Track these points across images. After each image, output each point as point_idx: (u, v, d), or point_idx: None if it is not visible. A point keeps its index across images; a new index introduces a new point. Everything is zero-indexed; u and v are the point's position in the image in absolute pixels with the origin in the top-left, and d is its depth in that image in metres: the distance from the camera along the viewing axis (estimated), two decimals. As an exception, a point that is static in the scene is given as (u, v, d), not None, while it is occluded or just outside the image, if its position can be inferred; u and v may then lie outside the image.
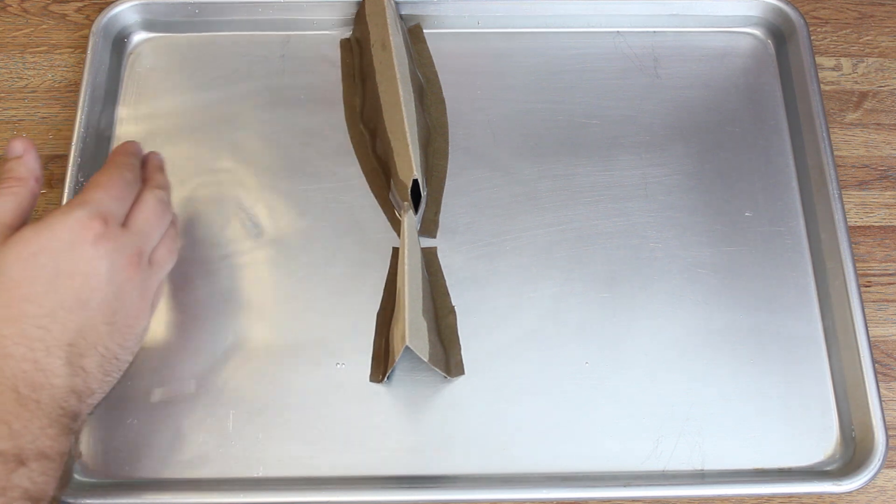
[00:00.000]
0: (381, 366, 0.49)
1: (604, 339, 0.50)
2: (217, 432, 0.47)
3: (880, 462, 0.47)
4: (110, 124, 0.56)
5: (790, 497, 0.48)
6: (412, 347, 0.45)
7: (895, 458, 0.49)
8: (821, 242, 0.53)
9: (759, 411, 0.49)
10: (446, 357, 0.49)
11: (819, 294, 0.52)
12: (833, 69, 0.60)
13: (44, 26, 0.60)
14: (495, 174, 0.55)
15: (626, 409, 0.49)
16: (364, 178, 0.55)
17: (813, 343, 0.51)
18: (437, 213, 0.53)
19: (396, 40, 0.54)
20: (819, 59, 0.60)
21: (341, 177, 0.55)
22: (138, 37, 0.59)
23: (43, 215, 0.41)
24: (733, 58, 0.60)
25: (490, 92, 0.58)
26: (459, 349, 0.50)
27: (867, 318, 0.50)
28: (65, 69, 0.59)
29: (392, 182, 0.53)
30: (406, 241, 0.49)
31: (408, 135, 0.51)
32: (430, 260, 0.52)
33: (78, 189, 0.52)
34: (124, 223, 0.42)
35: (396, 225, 0.53)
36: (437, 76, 0.58)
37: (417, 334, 0.46)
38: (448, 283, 0.51)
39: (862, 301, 0.50)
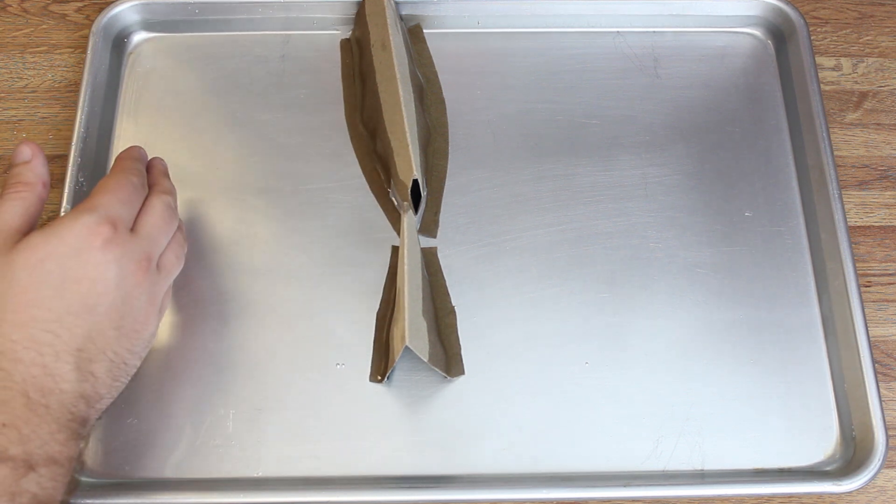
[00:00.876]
0: (381, 366, 0.49)
1: (604, 339, 0.50)
2: (217, 432, 0.47)
3: (880, 462, 0.47)
4: (110, 124, 0.56)
5: (790, 497, 0.48)
6: (412, 347, 0.45)
7: (895, 458, 0.49)
8: (821, 242, 0.53)
9: (759, 411, 0.49)
10: (446, 357, 0.49)
11: (819, 294, 0.52)
12: (833, 69, 0.60)
13: (44, 26, 0.60)
14: (495, 174, 0.55)
15: (626, 409, 0.49)
16: (364, 178, 0.55)
17: (813, 343, 0.51)
18: (437, 213, 0.53)
19: (396, 40, 0.54)
20: (819, 59, 0.60)
21: (341, 177, 0.55)
22: (138, 37, 0.59)
23: (49, 219, 0.41)
24: (733, 58, 0.60)
25: (490, 92, 0.58)
26: (459, 349, 0.50)
27: (867, 318, 0.50)
28: (65, 69, 0.59)
29: (392, 182, 0.53)
30: (406, 241, 0.49)
31: (408, 135, 0.51)
32: (430, 260, 0.52)
33: (78, 189, 0.52)
34: (132, 228, 0.42)
35: (397, 225, 0.53)
36: (437, 76, 0.58)
37: (417, 334, 0.46)
38: (448, 283, 0.51)
39: (862, 301, 0.50)
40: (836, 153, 0.56)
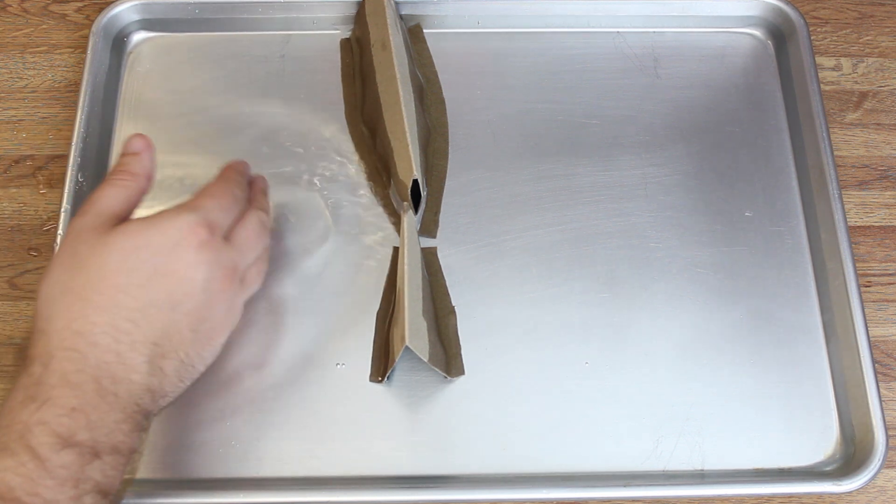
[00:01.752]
0: (381, 366, 0.49)
1: (604, 339, 0.50)
2: (217, 432, 0.47)
3: (880, 462, 0.47)
4: (110, 124, 0.56)
5: (790, 497, 0.48)
6: (412, 347, 0.45)
7: (895, 458, 0.49)
8: (821, 242, 0.53)
9: (759, 411, 0.49)
10: (446, 357, 0.49)
11: (819, 294, 0.52)
12: (833, 69, 0.60)
13: (44, 26, 0.60)
14: (495, 174, 0.55)
15: (626, 409, 0.49)
16: (364, 178, 0.55)
17: (813, 343, 0.51)
18: (437, 213, 0.53)
19: (396, 40, 0.54)
20: (819, 59, 0.60)
21: (341, 177, 0.55)
22: (138, 37, 0.59)
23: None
24: (733, 58, 0.60)
25: (490, 92, 0.58)
26: (459, 349, 0.50)
27: (867, 318, 0.50)
28: (65, 69, 0.59)
29: (392, 182, 0.53)
30: (406, 241, 0.49)
31: (408, 135, 0.51)
32: (430, 260, 0.52)
33: (78, 189, 0.52)
34: (227, 237, 0.43)
35: (397, 225, 0.53)
36: (437, 76, 0.58)
37: (417, 334, 0.46)
38: (448, 283, 0.51)
39: (862, 301, 0.50)
40: (836, 153, 0.56)
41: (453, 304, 0.51)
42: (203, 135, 0.55)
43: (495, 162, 0.55)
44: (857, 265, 0.51)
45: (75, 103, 0.54)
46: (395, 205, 0.53)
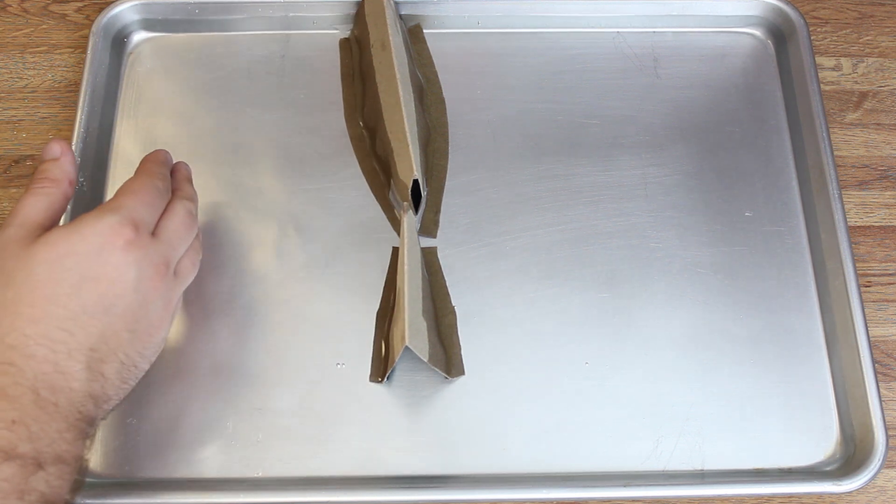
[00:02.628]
0: (381, 366, 0.49)
1: (604, 339, 0.50)
2: (217, 432, 0.47)
3: (880, 462, 0.47)
4: (110, 124, 0.56)
5: (790, 497, 0.48)
6: (412, 347, 0.45)
7: (895, 458, 0.49)
8: (821, 242, 0.53)
9: (759, 411, 0.49)
10: (446, 357, 0.49)
11: (819, 294, 0.52)
12: (833, 69, 0.60)
13: (44, 26, 0.60)
14: (495, 174, 0.55)
15: (626, 409, 0.49)
16: (364, 178, 0.55)
17: (813, 343, 0.51)
18: (437, 213, 0.53)
19: (396, 40, 0.54)
20: (819, 59, 0.60)
21: (341, 177, 0.55)
22: (138, 37, 0.59)
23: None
24: (733, 58, 0.60)
25: (490, 92, 0.58)
26: (459, 349, 0.50)
27: (867, 318, 0.50)
28: (65, 69, 0.59)
29: (392, 182, 0.53)
30: (406, 241, 0.49)
31: (408, 135, 0.51)
32: (430, 260, 0.52)
33: (78, 189, 0.52)
34: (153, 232, 0.43)
35: (396, 225, 0.53)
36: (437, 76, 0.58)
37: (417, 334, 0.46)
38: (448, 283, 0.51)
39: (862, 301, 0.50)
40: (836, 153, 0.56)
41: (453, 304, 0.51)
42: (203, 135, 0.55)
43: (495, 162, 0.55)
44: (857, 265, 0.51)
45: (75, 103, 0.54)
46: (395, 205, 0.53)
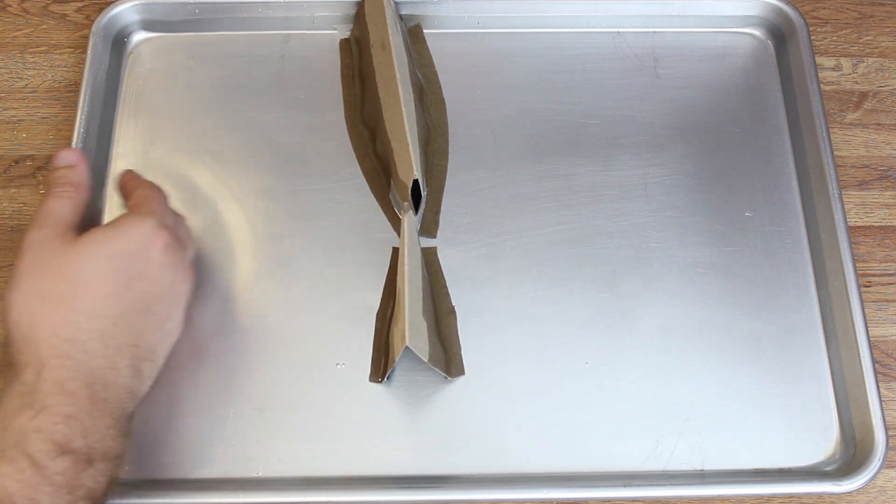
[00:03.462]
0: (381, 366, 0.49)
1: (604, 339, 0.50)
2: (217, 432, 0.47)
3: (880, 462, 0.47)
4: (110, 124, 0.56)
5: (790, 497, 0.48)
6: (412, 347, 0.45)
7: (895, 458, 0.49)
8: (821, 242, 0.53)
9: (759, 411, 0.49)
10: (446, 357, 0.49)
11: (819, 294, 0.52)
12: (833, 69, 0.60)
13: (44, 26, 0.60)
14: (495, 174, 0.55)
15: (626, 409, 0.49)
16: (364, 178, 0.55)
17: (813, 343, 0.51)
18: (437, 213, 0.53)
19: (396, 40, 0.54)
20: (819, 59, 0.60)
21: (341, 177, 0.55)
22: (138, 37, 0.59)
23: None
24: (733, 58, 0.60)
25: (490, 92, 0.58)
26: (459, 349, 0.50)
27: (867, 318, 0.50)
28: (65, 69, 0.59)
29: (392, 182, 0.53)
30: (406, 241, 0.49)
31: (408, 135, 0.51)
32: (430, 260, 0.52)
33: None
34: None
35: (396, 225, 0.53)
36: (437, 76, 0.58)
37: (417, 334, 0.46)
38: (448, 283, 0.51)
39: (862, 301, 0.50)
40: (836, 153, 0.56)
41: (453, 304, 0.51)
42: (203, 135, 0.55)
43: (495, 162, 0.55)
44: (857, 265, 0.51)
45: (75, 103, 0.54)
46: (394, 205, 0.53)
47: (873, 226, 0.55)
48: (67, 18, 0.60)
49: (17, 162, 0.55)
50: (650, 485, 0.46)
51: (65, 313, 0.39)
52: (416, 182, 0.51)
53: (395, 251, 0.52)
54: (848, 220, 0.53)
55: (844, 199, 0.54)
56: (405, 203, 0.51)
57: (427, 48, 0.59)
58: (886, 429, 0.47)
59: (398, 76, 0.52)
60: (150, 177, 0.48)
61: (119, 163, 0.54)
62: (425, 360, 0.46)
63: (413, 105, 0.53)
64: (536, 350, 0.50)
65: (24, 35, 0.60)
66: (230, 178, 0.54)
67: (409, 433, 0.48)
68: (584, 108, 0.57)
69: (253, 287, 0.51)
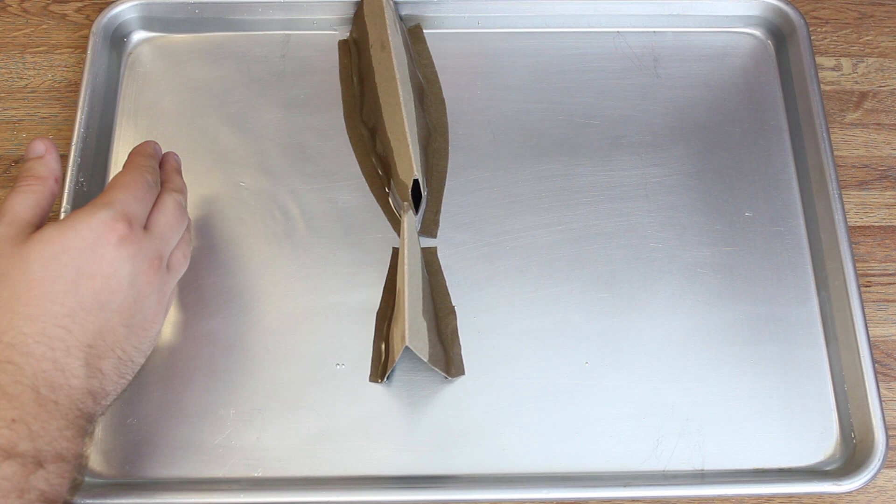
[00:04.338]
0: (381, 366, 0.49)
1: (604, 339, 0.50)
2: (217, 432, 0.47)
3: (880, 462, 0.47)
4: (110, 124, 0.56)
5: (790, 497, 0.48)
6: (412, 347, 0.45)
7: (895, 458, 0.49)
8: (821, 242, 0.53)
9: (759, 411, 0.49)
10: (446, 357, 0.49)
11: (819, 294, 0.52)
12: (833, 69, 0.60)
13: (44, 26, 0.60)
14: (495, 174, 0.55)
15: (626, 409, 0.49)
16: (364, 178, 0.55)
17: (813, 343, 0.51)
18: (437, 213, 0.53)
19: (395, 40, 0.54)
20: (819, 59, 0.60)
21: (341, 177, 0.55)
22: (138, 37, 0.59)
23: (50, 219, 0.41)
24: (733, 58, 0.60)
25: (490, 92, 0.58)
26: (459, 349, 0.50)
27: (867, 318, 0.50)
28: (65, 69, 0.59)
29: (392, 182, 0.53)
30: (406, 241, 0.49)
31: (408, 135, 0.51)
32: (430, 260, 0.52)
33: (78, 189, 0.52)
34: (145, 226, 0.43)
35: (396, 225, 0.53)
36: (437, 76, 0.58)
37: (417, 334, 0.46)
38: (448, 283, 0.51)
39: (862, 301, 0.50)
40: (836, 153, 0.56)
41: (453, 304, 0.51)
42: (203, 135, 0.55)
43: (495, 162, 0.55)
44: (857, 265, 0.51)
45: (75, 103, 0.54)
46: (394, 205, 0.53)
47: (873, 226, 0.55)
48: (67, 18, 0.60)
49: (17, 162, 0.55)
50: (650, 485, 0.46)
51: (8, 318, 0.38)
52: (416, 182, 0.51)
53: (395, 251, 0.52)
54: (848, 220, 0.53)
55: (844, 199, 0.54)
56: (405, 203, 0.51)
57: (427, 48, 0.59)
58: (886, 429, 0.47)
59: (398, 76, 0.52)
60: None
61: (119, 163, 0.54)
62: (425, 360, 0.46)
63: (413, 105, 0.53)
64: (536, 350, 0.50)
65: (24, 35, 0.60)
66: (229, 178, 0.54)
67: (409, 433, 0.48)
68: (584, 108, 0.57)
69: (252, 287, 0.51)
